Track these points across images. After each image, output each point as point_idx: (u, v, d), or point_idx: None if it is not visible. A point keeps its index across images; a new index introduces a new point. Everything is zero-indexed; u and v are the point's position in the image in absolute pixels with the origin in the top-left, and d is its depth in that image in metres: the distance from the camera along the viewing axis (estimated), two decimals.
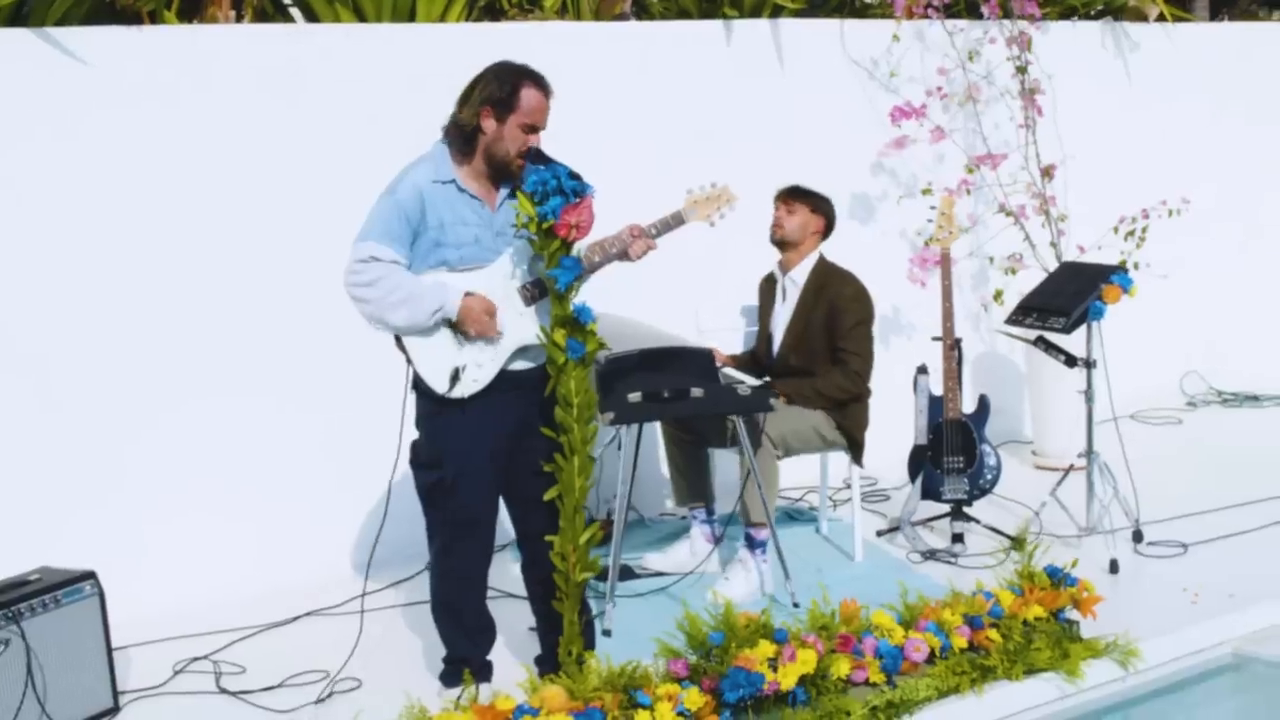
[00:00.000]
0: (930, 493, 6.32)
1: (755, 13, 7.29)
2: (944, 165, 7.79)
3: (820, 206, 6.27)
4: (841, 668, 4.52)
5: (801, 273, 6.18)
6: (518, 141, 4.46)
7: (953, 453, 6.28)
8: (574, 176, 4.31)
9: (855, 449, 6.14)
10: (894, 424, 6.50)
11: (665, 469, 6.99)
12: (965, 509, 6.32)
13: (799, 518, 6.92)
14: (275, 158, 6.04)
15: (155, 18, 5.81)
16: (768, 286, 6.43)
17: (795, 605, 5.53)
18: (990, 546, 6.26)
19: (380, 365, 6.18)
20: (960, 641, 4.80)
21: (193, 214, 5.90)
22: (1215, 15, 9.42)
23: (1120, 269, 6.08)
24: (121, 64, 5.69)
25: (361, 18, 6.33)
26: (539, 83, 4.50)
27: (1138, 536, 6.20)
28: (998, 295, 7.74)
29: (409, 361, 4.57)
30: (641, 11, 7.23)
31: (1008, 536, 6.29)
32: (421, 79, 6.28)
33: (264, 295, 6.08)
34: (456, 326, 4.48)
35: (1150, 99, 8.63)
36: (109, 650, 4.84)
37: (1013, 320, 6.32)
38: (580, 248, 4.46)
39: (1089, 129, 8.04)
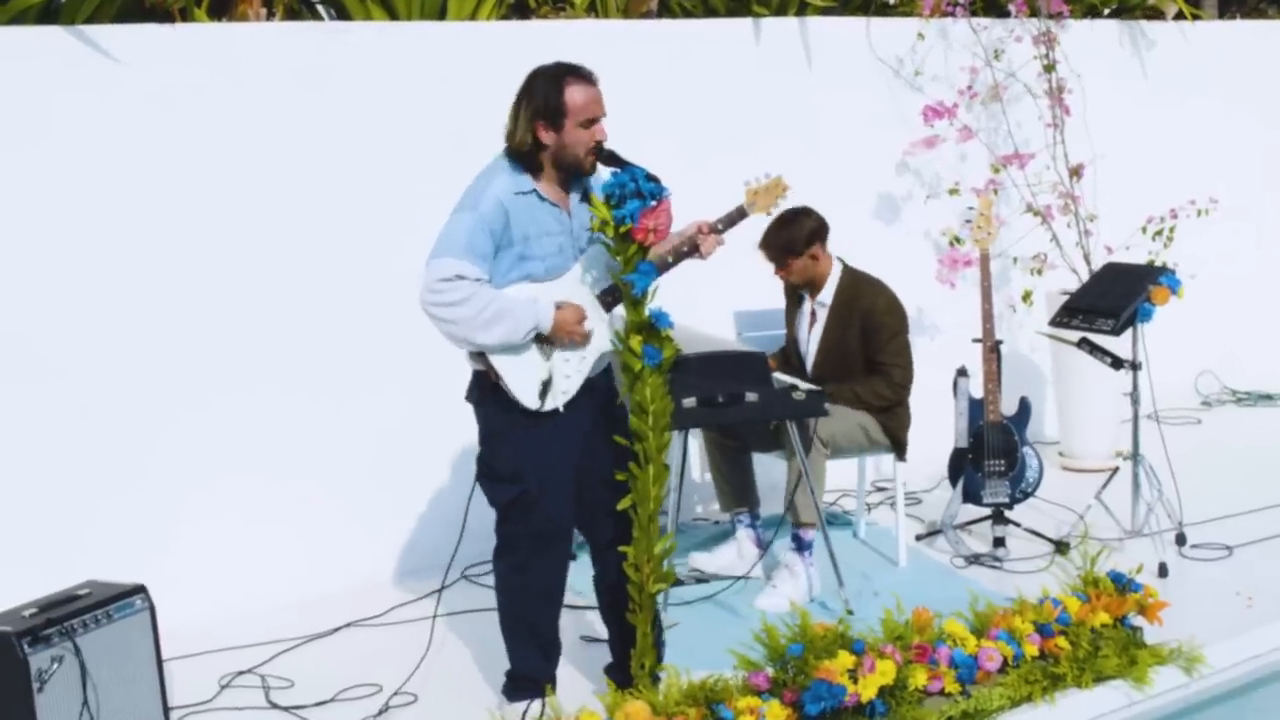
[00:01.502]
0: (970, 496, 6.24)
1: (782, 10, 7.20)
2: (967, 165, 7.73)
3: (801, 240, 6.00)
4: (919, 678, 4.44)
5: (828, 293, 6.08)
6: (583, 141, 4.35)
7: (994, 456, 6.20)
8: (651, 178, 4.20)
9: (899, 447, 6.07)
10: (924, 427, 6.39)
11: (697, 474, 6.92)
12: (1006, 513, 6.24)
13: (834, 522, 6.82)
14: (307, 155, 5.92)
15: (186, 15, 5.67)
16: (792, 297, 6.32)
17: (849, 612, 5.45)
18: (1031, 550, 6.18)
19: (416, 362, 6.13)
20: (1032, 650, 4.73)
21: (224, 211, 5.77)
22: (1224, 13, 9.38)
23: (1167, 270, 6.02)
24: (154, 62, 5.56)
25: (393, 15, 6.21)
26: (580, 75, 4.39)
27: (1181, 539, 6.14)
28: (1026, 296, 7.67)
29: (495, 375, 4.39)
30: (663, 9, 7.12)
31: (1051, 541, 6.22)
32: (453, 78, 6.22)
33: (297, 293, 5.96)
34: (545, 338, 4.38)
35: (1167, 98, 8.59)
36: (160, 666, 4.69)
37: (1058, 322, 6.25)
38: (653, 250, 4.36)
39: (1110, 128, 7.97)
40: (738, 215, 4.87)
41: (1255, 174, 8.98)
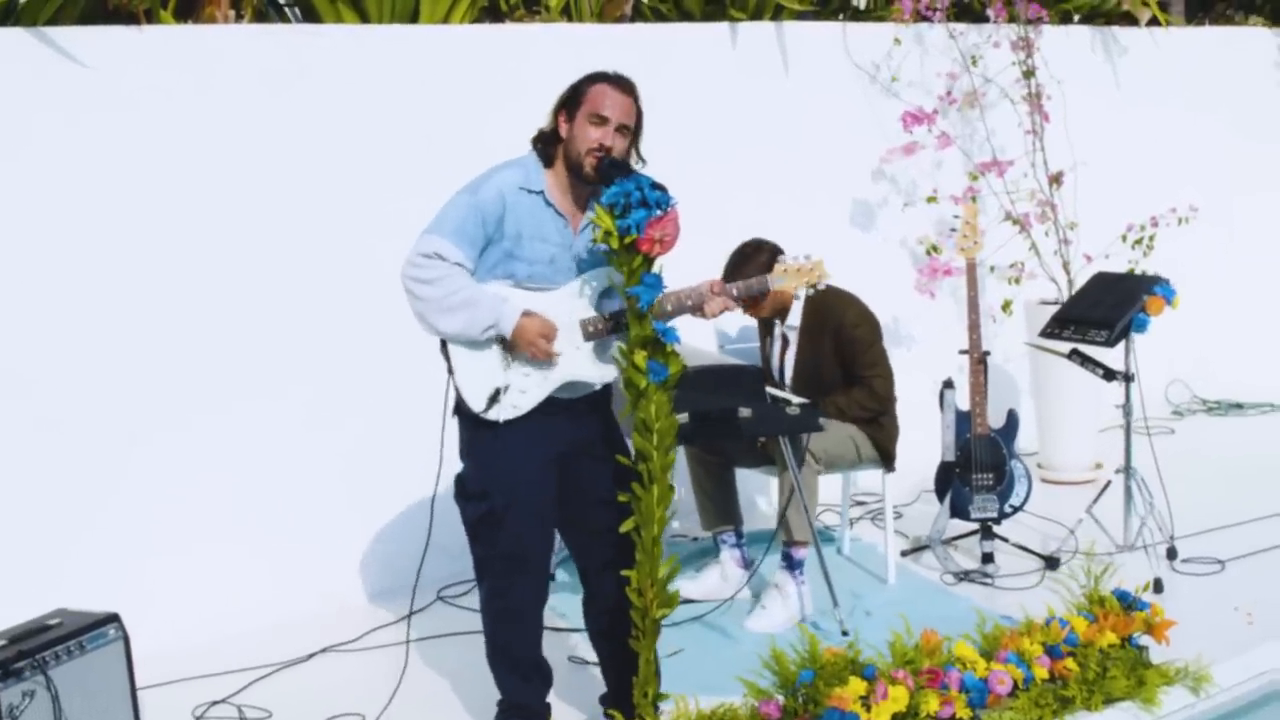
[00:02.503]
0: (958, 511, 6.11)
1: (759, 14, 7.06)
2: (943, 172, 7.61)
3: (762, 281, 5.13)
4: (931, 704, 4.28)
5: (795, 316, 5.96)
6: (587, 138, 4.17)
7: (981, 470, 6.07)
8: (657, 186, 4.02)
9: (887, 460, 5.93)
10: (904, 439, 6.21)
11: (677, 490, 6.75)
12: (994, 528, 6.11)
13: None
14: (278, 162, 5.72)
15: (151, 17, 5.45)
16: (763, 323, 6.22)
17: (845, 634, 5.30)
18: (1020, 566, 6.06)
19: (391, 380, 5.95)
20: (1041, 672, 4.59)
21: (194, 219, 5.56)
22: (1191, 18, 9.32)
23: (1161, 280, 5.91)
24: (120, 65, 5.34)
25: (364, 18, 6.01)
26: (616, 80, 4.24)
27: (1172, 554, 6.03)
28: (1006, 306, 7.55)
29: (450, 372, 4.26)
30: (637, 14, 6.95)
31: (1040, 556, 6.10)
32: (427, 81, 6.05)
33: (267, 305, 5.75)
34: (508, 345, 4.20)
35: (1139, 105, 8.51)
36: (134, 697, 4.47)
37: (1049, 333, 6.13)
38: (660, 266, 4.16)
39: (1084, 135, 7.87)
40: (757, 286, 4.68)
41: (1224, 180, 8.90)
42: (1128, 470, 6.03)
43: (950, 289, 7.60)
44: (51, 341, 5.29)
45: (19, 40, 5.12)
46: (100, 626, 4.38)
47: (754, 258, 5.75)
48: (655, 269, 4.07)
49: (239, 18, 5.76)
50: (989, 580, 5.95)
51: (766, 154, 6.99)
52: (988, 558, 6.06)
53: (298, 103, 5.74)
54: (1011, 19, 7.38)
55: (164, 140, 5.45)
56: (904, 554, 6.32)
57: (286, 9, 6.10)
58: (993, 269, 7.68)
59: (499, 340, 4.19)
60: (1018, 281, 7.52)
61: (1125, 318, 5.79)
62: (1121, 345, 5.93)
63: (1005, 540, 6.21)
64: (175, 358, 5.55)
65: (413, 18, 6.17)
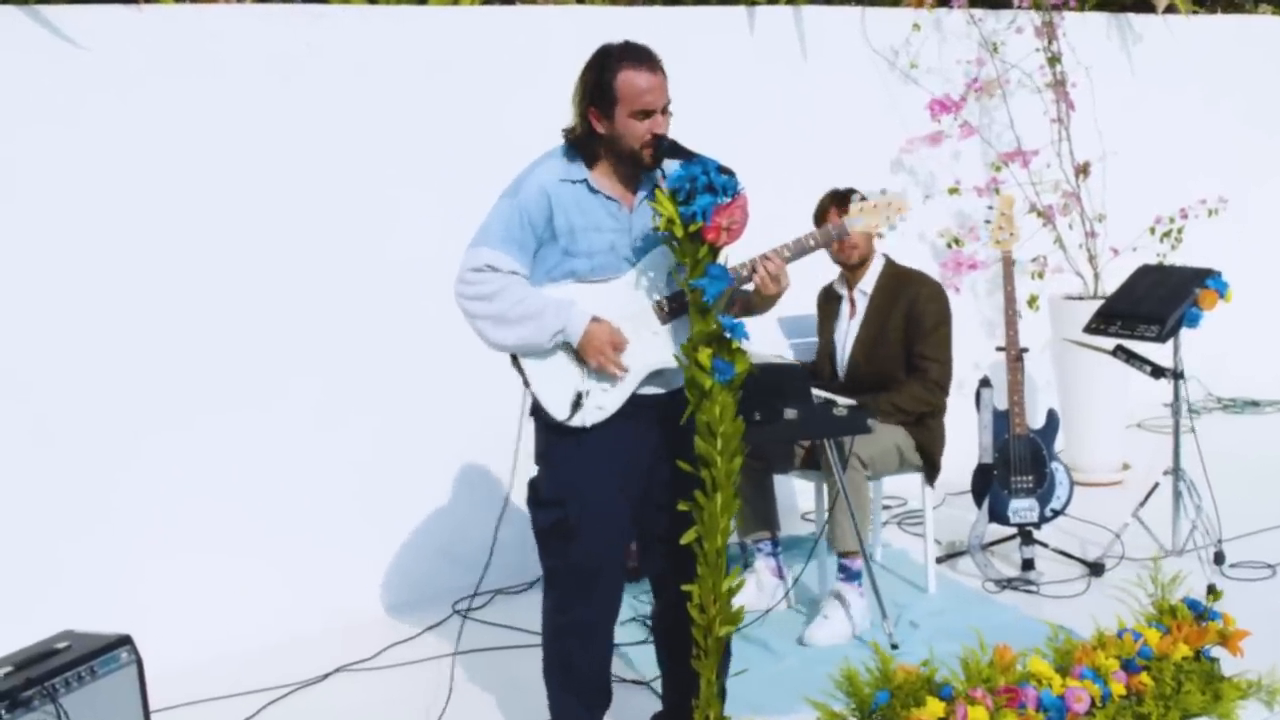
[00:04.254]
0: (996, 515, 5.83)
1: None
2: (960, 162, 7.34)
3: (840, 226, 5.59)
4: None
5: (869, 281, 5.66)
6: (636, 134, 3.83)
7: (1020, 472, 5.80)
8: (724, 170, 3.71)
9: (931, 470, 5.63)
10: None
11: None
12: (1033, 531, 5.84)
13: None
14: (285, 146, 5.41)
15: None
16: (827, 300, 5.87)
17: (895, 647, 5.01)
18: (1062, 572, 5.79)
19: (406, 377, 5.64)
20: (1119, 688, 4.30)
21: (196, 209, 5.24)
22: (1201, 5, 9.08)
23: (1213, 272, 5.65)
24: (120, 46, 5.01)
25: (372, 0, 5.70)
26: (637, 59, 3.85)
27: (1219, 558, 5.78)
28: (1032, 301, 7.28)
29: (526, 384, 3.95)
30: None
31: (1084, 562, 5.83)
32: (439, 64, 5.77)
33: (272, 299, 5.44)
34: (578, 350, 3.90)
35: (1155, 94, 8.26)
36: None
37: (1094, 328, 5.86)
38: (726, 256, 3.85)
39: (1106, 124, 7.62)
40: (836, 231, 4.34)
41: (1238, 172, 8.65)
42: (1177, 472, 5.78)
43: (971, 284, 7.34)
44: (48, 339, 4.96)
45: (13, 19, 4.79)
46: (112, 650, 4.07)
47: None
48: (720, 259, 3.76)
49: None
50: (1033, 588, 5.67)
51: (784, 141, 6.71)
52: (1028, 564, 5.80)
53: (304, 86, 5.43)
54: (1036, 5, 7.10)
55: (166, 125, 5.13)
56: (939, 560, 6.04)
57: None
58: (1015, 263, 7.40)
59: (568, 345, 3.89)
60: (1041, 276, 7.26)
61: (1178, 312, 5.52)
62: (1169, 341, 5.67)
63: (1045, 545, 5.93)
64: (176, 355, 5.23)
65: None
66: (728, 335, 3.74)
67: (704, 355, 3.73)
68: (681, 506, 3.85)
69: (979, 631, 4.35)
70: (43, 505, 4.96)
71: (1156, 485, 5.90)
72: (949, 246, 7.00)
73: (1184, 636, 4.57)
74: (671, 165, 3.91)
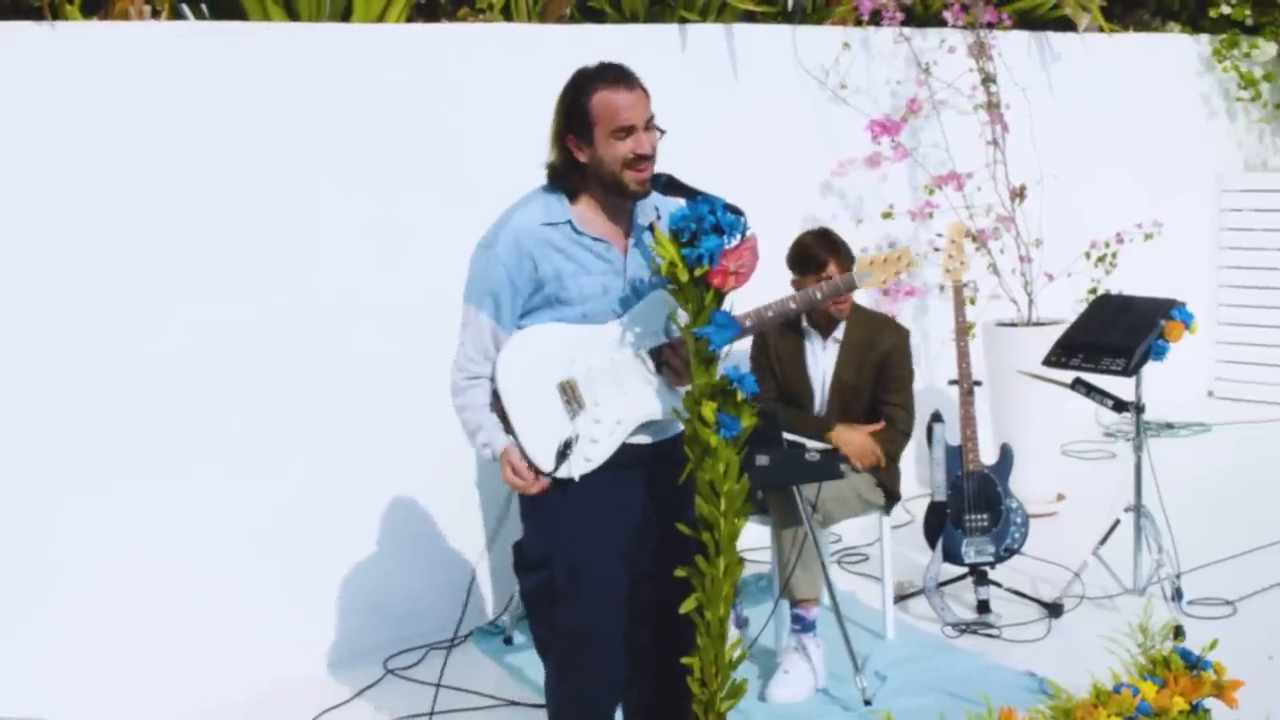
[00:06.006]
0: (950, 555, 5.61)
1: (706, 14, 6.50)
2: (888, 185, 7.12)
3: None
4: None
5: (842, 328, 5.41)
6: (617, 155, 3.57)
7: (975, 510, 5.59)
8: (731, 209, 3.43)
9: (891, 500, 5.41)
10: None
11: None
12: (989, 571, 5.63)
13: None
14: (207, 169, 5.01)
15: (56, 12, 4.69)
16: (783, 336, 5.56)
17: (867, 703, 4.77)
18: (1021, 614, 5.59)
19: (327, 425, 5.28)
20: None
21: (105, 240, 4.81)
22: (1110, 24, 9.00)
23: (1178, 303, 5.48)
24: (26, 64, 4.58)
25: (293, 16, 5.31)
26: (613, 78, 3.64)
27: (1178, 594, 5.60)
28: (970, 329, 7.06)
29: (509, 431, 3.65)
30: (575, 15, 6.34)
31: (1042, 604, 5.64)
32: (365, 83, 5.41)
33: (185, 342, 5.01)
34: (574, 390, 3.61)
35: (1075, 114, 8.13)
36: None
37: (1054, 360, 5.66)
38: (731, 303, 3.57)
39: (1043, 146, 7.45)
40: (844, 286, 4.27)
41: (1151, 192, 8.56)
42: (1138, 508, 5.61)
43: (910, 312, 7.16)
44: None
45: None
46: None
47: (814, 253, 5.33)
48: (726, 305, 3.48)
49: (155, 14, 5.01)
50: (995, 632, 5.46)
51: (715, 163, 6.32)
52: (984, 606, 5.59)
53: (227, 105, 5.03)
54: (969, 24, 6.89)
55: (76, 150, 4.71)
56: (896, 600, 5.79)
57: (201, 4, 5.36)
58: (942, 289, 7.23)
59: (561, 388, 3.62)
60: (973, 302, 7.06)
61: (1144, 344, 5.35)
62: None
63: (999, 585, 5.73)
64: (76, 416, 4.78)
65: (345, 15, 5.49)
66: (733, 387, 3.45)
67: (708, 409, 3.44)
68: (679, 573, 3.56)
69: (987, 695, 4.11)
70: None
71: (1118, 522, 5.71)
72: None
73: (1181, 689, 4.38)
74: (665, 201, 3.64)
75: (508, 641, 5.54)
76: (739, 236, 3.42)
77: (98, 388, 4.80)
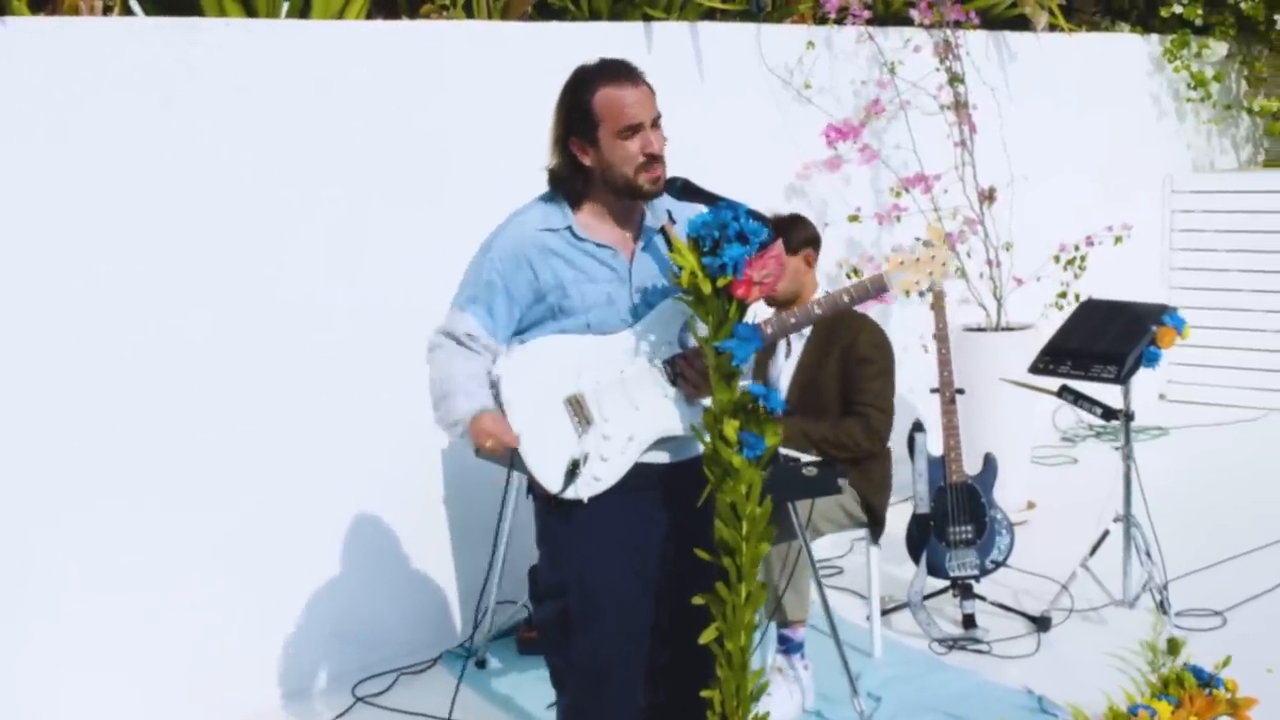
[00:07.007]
0: (934, 569, 5.45)
1: (669, 10, 6.30)
2: (852, 188, 6.96)
3: (797, 238, 5.20)
4: None
5: None
6: (626, 155, 3.37)
7: (958, 522, 5.43)
8: (755, 215, 3.23)
9: (876, 524, 5.21)
10: None
11: None
12: (974, 585, 5.47)
13: None
14: (162, 171, 4.74)
15: (3, 8, 4.40)
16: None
17: None
18: (1008, 628, 5.45)
19: (286, 444, 5.02)
20: None
21: (56, 252, 4.53)
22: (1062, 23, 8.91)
23: (1169, 309, 5.35)
24: None
25: (251, 12, 5.06)
26: (616, 74, 3.42)
27: (1163, 607, 5.47)
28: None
29: (514, 444, 3.41)
30: (541, 12, 6.11)
31: (1030, 617, 5.49)
32: (325, 81, 5.17)
33: (143, 351, 4.73)
34: (583, 408, 3.40)
35: (1033, 113, 8.01)
36: None
37: (1041, 368, 5.51)
38: (755, 313, 3.36)
39: (1013, 147, 7.32)
40: (873, 286, 3.80)
41: (1109, 192, 8.47)
42: (1128, 518, 5.47)
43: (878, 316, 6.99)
44: None
45: None
46: None
47: (796, 223, 5.24)
48: (749, 317, 3.27)
49: (107, 10, 4.73)
50: (984, 648, 5.30)
51: (681, 163, 6.19)
52: (969, 620, 5.43)
53: (183, 103, 4.75)
54: (938, 23, 6.73)
55: (29, 149, 4.43)
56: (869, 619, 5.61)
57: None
58: (908, 293, 7.04)
59: (568, 403, 3.39)
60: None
61: (1136, 351, 5.20)
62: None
63: (983, 599, 5.57)
64: (22, 434, 4.49)
65: (303, 12, 5.25)
66: (758, 403, 3.25)
67: (729, 428, 3.24)
68: (697, 600, 3.36)
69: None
70: None
71: (1107, 533, 5.57)
72: (849, 277, 6.61)
73: (1196, 710, 4.24)
74: (680, 206, 3.44)
75: (480, 665, 5.31)
76: (764, 244, 3.21)
77: (43, 407, 4.50)
